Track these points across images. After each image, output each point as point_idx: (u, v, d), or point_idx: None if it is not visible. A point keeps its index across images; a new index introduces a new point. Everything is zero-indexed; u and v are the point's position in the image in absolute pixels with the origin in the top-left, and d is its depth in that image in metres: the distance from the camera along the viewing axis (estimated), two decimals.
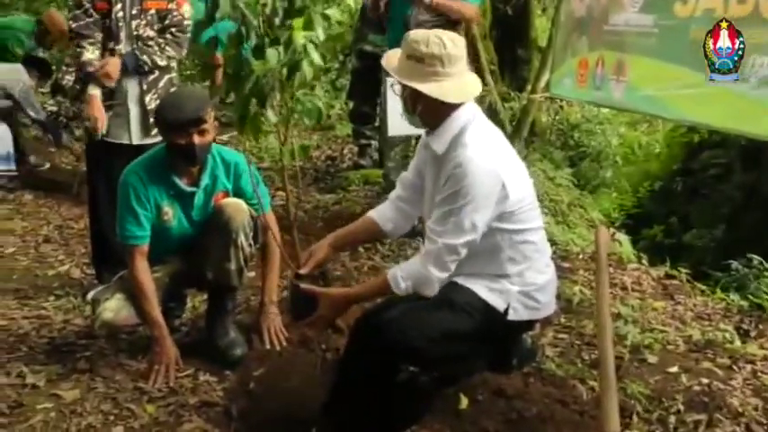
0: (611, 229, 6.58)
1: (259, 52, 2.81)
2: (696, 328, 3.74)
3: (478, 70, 8.52)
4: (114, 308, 3.38)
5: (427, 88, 2.71)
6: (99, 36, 4.16)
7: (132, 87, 4.25)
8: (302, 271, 3.00)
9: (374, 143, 6.82)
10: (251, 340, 3.64)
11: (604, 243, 2.69)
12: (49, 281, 4.60)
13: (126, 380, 3.33)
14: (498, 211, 2.72)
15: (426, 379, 2.79)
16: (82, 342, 3.66)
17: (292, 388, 3.37)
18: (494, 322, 2.78)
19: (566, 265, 4.57)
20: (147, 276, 3.37)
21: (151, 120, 4.07)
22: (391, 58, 2.85)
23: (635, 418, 2.90)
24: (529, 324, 2.97)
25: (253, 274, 3.95)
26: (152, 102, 4.23)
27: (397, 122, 4.53)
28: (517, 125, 6.69)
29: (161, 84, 4.29)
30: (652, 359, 3.38)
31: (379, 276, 2.97)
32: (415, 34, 2.76)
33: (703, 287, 4.64)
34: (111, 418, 3.06)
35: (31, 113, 6.14)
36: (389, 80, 4.68)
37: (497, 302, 2.76)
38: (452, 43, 2.72)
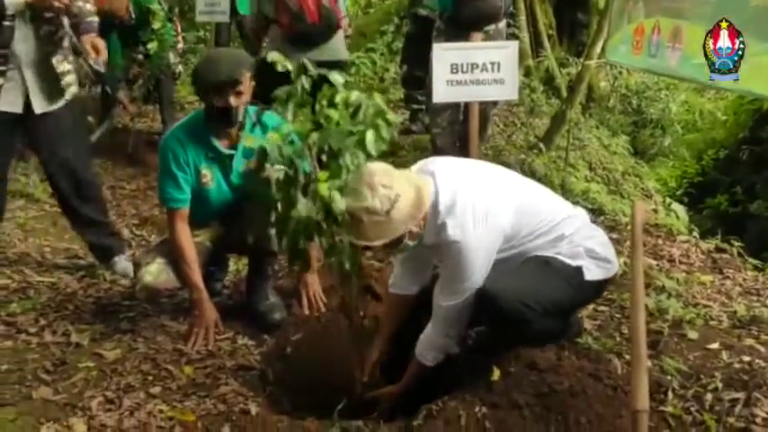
0: (667, 199, 6.47)
1: (304, 194, 2.87)
2: (742, 304, 3.64)
3: (536, 34, 8.40)
4: (155, 272, 3.43)
5: (400, 227, 2.74)
6: None
7: (28, 49, 3.68)
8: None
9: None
10: (290, 305, 3.69)
11: (641, 217, 2.63)
12: None
13: (166, 341, 3.41)
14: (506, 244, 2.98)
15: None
16: (126, 303, 3.75)
17: (329, 353, 3.40)
18: (577, 284, 2.99)
19: (613, 235, 4.47)
20: (187, 240, 3.41)
21: (63, 83, 3.80)
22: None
23: (670, 394, 2.85)
24: (602, 286, 3.17)
25: None
26: (60, 64, 3.78)
27: (443, 88, 4.49)
28: (571, 91, 6.54)
29: (66, 44, 3.83)
30: (693, 335, 3.30)
31: (412, 365, 3.17)
32: (360, 211, 2.69)
33: (756, 261, 4.51)
34: (150, 378, 3.14)
35: (92, 62, 6.15)
36: (436, 45, 4.64)
37: (574, 262, 3.00)
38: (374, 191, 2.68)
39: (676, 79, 4.48)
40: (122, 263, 4.15)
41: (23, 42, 3.64)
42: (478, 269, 2.89)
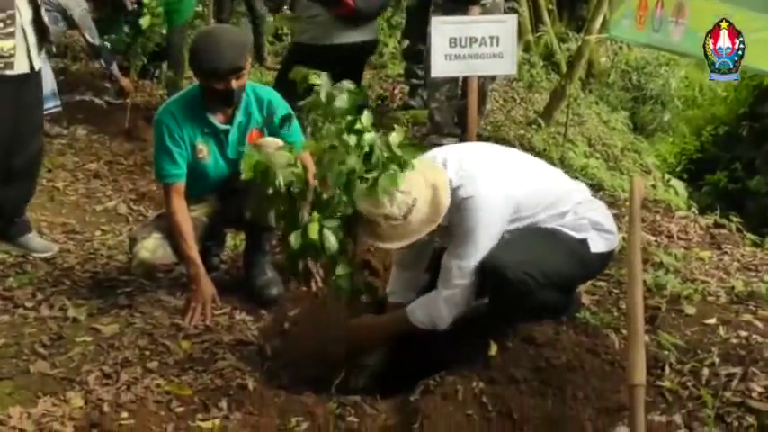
0: (666, 175, 6.47)
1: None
2: (740, 280, 3.63)
3: (536, 9, 8.35)
4: (151, 247, 3.42)
5: (419, 230, 2.81)
6: None
7: (26, 9, 3.74)
8: None
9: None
10: (287, 280, 3.68)
11: (639, 193, 2.62)
12: (97, 216, 4.72)
13: (164, 316, 3.40)
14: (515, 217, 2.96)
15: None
16: (123, 278, 3.73)
17: (326, 329, 3.40)
18: (582, 256, 3.02)
19: (612, 211, 4.44)
20: (183, 215, 3.40)
21: (49, 37, 3.82)
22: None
23: (667, 369, 2.85)
24: (605, 260, 3.19)
25: None
26: (45, 15, 3.84)
27: (441, 63, 4.47)
28: (570, 67, 6.51)
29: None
30: (690, 310, 3.30)
31: (400, 311, 3.12)
32: (378, 218, 2.76)
33: (754, 237, 4.51)
34: (147, 353, 3.14)
35: (88, 37, 6.12)
36: (434, 19, 4.61)
37: (579, 234, 3.01)
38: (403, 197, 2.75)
39: (680, 55, 4.44)
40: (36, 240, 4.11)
41: (23, 4, 3.68)
42: (490, 231, 2.88)
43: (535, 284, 2.85)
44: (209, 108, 3.42)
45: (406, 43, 6.92)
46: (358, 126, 2.72)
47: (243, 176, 2.91)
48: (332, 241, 2.74)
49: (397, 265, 3.34)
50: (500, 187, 2.89)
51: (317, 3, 5.20)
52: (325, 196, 2.81)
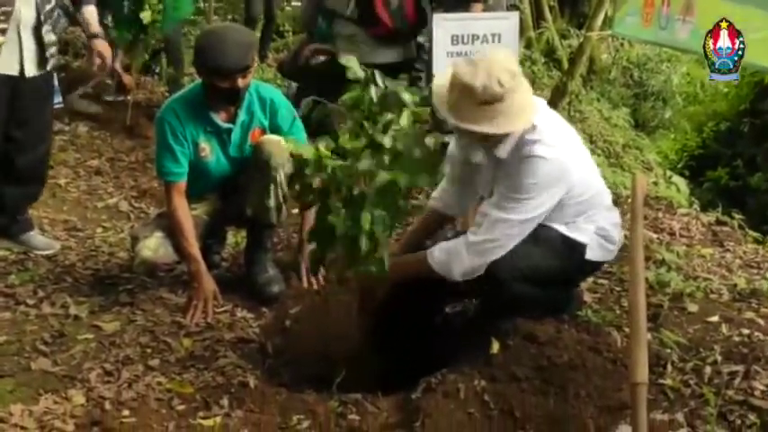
0: (668, 172, 6.45)
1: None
2: (742, 277, 3.64)
3: (537, 6, 8.34)
4: (153, 246, 3.41)
5: (514, 125, 2.76)
6: None
7: (28, 13, 3.70)
8: None
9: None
10: (289, 278, 3.68)
11: (641, 190, 2.62)
12: (98, 213, 4.71)
13: (165, 314, 3.40)
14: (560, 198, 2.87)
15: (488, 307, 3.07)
16: (125, 275, 3.73)
17: (328, 327, 3.39)
18: (573, 260, 2.97)
19: None
20: (184, 213, 3.40)
21: (48, 53, 3.79)
22: (441, 101, 2.83)
23: (669, 367, 2.85)
24: (597, 267, 3.18)
25: (295, 210, 3.95)
26: (48, 34, 3.77)
27: (443, 59, 4.46)
28: (572, 63, 6.51)
29: (55, 16, 3.84)
30: (693, 308, 3.30)
31: (421, 252, 3.03)
32: (471, 77, 2.69)
33: (756, 234, 4.51)
34: (149, 350, 3.13)
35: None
36: (436, 16, 4.60)
37: (579, 237, 2.96)
38: (509, 75, 2.71)
39: (687, 52, 4.42)
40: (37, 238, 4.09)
41: (25, 5, 3.65)
42: (541, 196, 2.80)
43: (509, 277, 2.82)
44: (212, 106, 3.41)
45: None
46: (396, 127, 2.66)
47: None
48: (380, 229, 2.66)
49: (447, 180, 3.22)
50: (567, 164, 2.83)
51: (354, 23, 5.22)
52: (356, 192, 2.72)
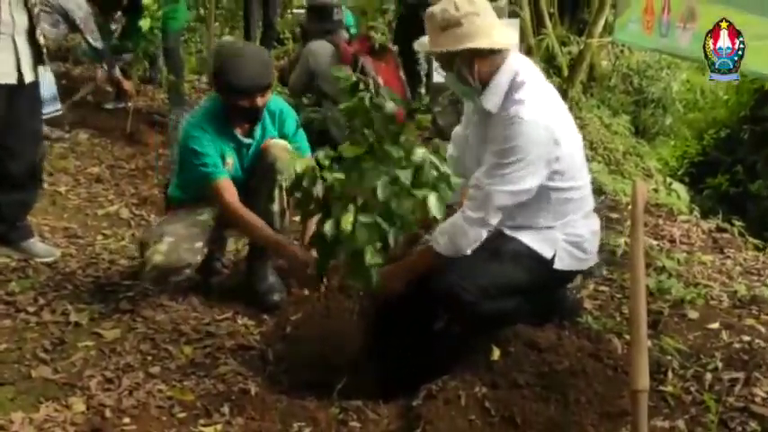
0: (668, 179, 6.45)
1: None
2: (742, 284, 3.63)
3: (537, 12, 8.34)
4: (164, 251, 3.37)
5: (476, 43, 2.79)
6: None
7: (21, 19, 3.71)
8: None
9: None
10: (289, 285, 3.68)
11: (641, 198, 2.61)
12: (98, 220, 4.72)
13: (166, 321, 3.40)
14: (549, 171, 2.83)
15: (462, 327, 3.05)
16: (126, 282, 3.73)
17: (329, 333, 3.40)
18: (540, 271, 2.94)
19: (613, 215, 4.47)
20: (242, 206, 3.38)
21: (43, 55, 3.82)
22: (424, 44, 2.96)
23: (670, 374, 2.84)
24: (571, 275, 3.14)
25: (296, 218, 3.96)
26: (40, 36, 3.80)
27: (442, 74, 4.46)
28: (572, 70, 6.51)
29: (41, 15, 3.92)
30: (693, 315, 3.29)
31: (423, 246, 3.09)
32: (437, 7, 2.82)
33: (756, 241, 4.50)
34: (150, 358, 3.14)
35: (90, 40, 6.11)
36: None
37: (544, 250, 2.93)
38: (466, 1, 2.80)
39: (689, 60, 4.42)
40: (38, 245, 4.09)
41: (17, 11, 3.65)
42: (528, 157, 2.76)
43: (474, 299, 2.83)
44: (232, 122, 3.46)
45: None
46: (404, 138, 2.65)
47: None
48: (363, 232, 2.65)
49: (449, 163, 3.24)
50: (553, 128, 2.80)
51: None
52: (359, 201, 2.70)
